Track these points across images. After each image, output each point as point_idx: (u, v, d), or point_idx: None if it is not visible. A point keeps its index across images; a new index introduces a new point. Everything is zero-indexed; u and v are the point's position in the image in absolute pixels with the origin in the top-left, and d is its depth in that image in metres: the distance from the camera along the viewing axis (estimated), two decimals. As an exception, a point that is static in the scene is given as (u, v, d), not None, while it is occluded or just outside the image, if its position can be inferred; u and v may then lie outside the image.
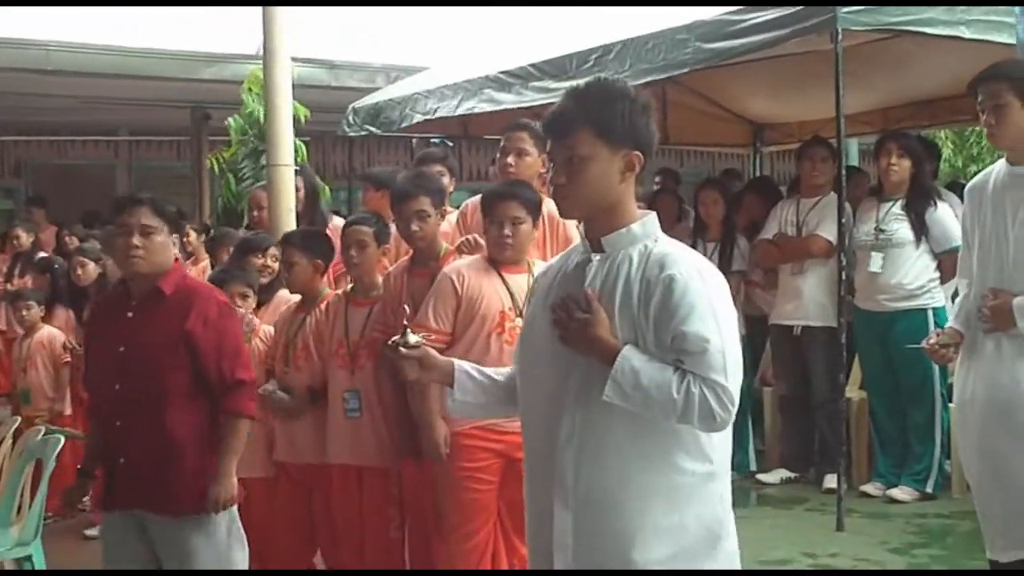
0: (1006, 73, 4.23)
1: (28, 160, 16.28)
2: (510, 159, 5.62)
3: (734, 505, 3.15)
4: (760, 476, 7.82)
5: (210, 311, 4.39)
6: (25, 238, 10.83)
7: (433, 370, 3.25)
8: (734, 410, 2.85)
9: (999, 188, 4.30)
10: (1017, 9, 5.43)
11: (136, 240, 4.30)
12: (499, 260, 4.90)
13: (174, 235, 4.48)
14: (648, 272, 2.90)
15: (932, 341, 4.51)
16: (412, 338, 3.22)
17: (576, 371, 2.94)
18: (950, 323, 4.59)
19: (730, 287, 7.44)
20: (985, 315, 4.23)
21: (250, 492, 5.29)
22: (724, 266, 7.83)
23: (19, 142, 15.87)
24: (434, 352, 3.30)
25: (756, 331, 7.98)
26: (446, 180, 6.20)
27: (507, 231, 4.88)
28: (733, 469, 7.72)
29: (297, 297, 5.67)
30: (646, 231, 2.99)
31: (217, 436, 4.34)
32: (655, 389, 2.82)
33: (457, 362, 3.29)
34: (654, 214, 3.05)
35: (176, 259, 4.58)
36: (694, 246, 7.98)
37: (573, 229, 5.59)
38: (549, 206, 5.54)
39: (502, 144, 5.74)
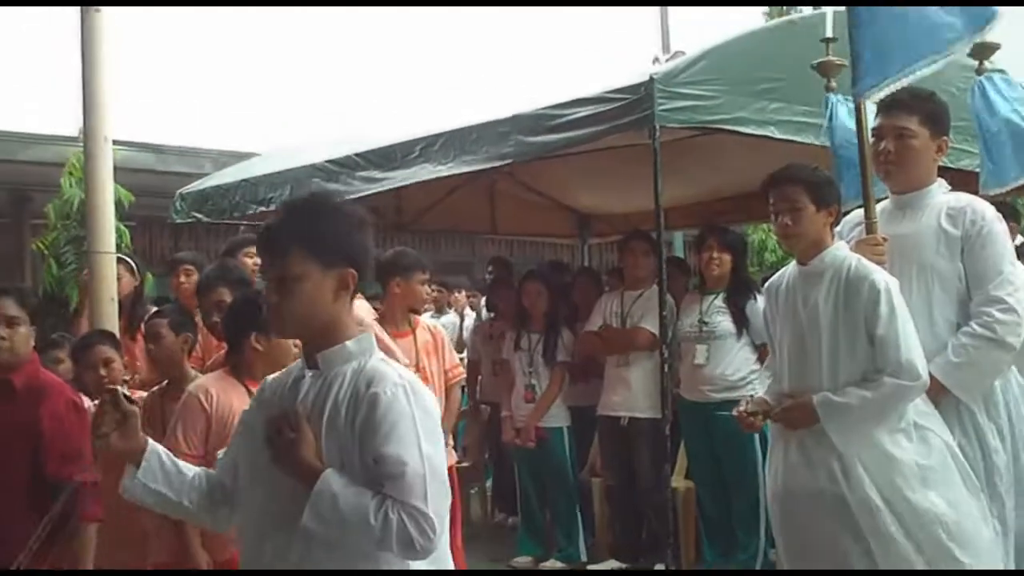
0: (801, 178, 4.37)
1: None
2: None
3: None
4: (591, 567, 7.79)
5: (59, 408, 4.25)
6: None
7: (130, 440, 3.08)
8: (436, 538, 2.78)
9: (791, 287, 4.45)
10: (825, 111, 5.64)
11: (2, 331, 4.21)
12: (250, 374, 4.66)
13: (32, 327, 4.38)
14: (356, 389, 2.86)
15: (741, 409, 4.60)
16: (125, 401, 3.09)
17: (283, 492, 2.85)
18: (759, 393, 4.72)
19: (555, 378, 7.57)
20: (785, 417, 4.34)
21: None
22: (548, 357, 7.89)
23: None
24: (137, 424, 3.12)
25: (583, 422, 8.00)
26: None
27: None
28: (564, 560, 7.80)
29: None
30: (361, 348, 2.96)
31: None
32: (352, 514, 2.74)
33: (153, 444, 3.14)
34: (370, 333, 3.04)
35: (32, 351, 4.46)
36: (518, 337, 8.09)
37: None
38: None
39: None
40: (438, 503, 2.77)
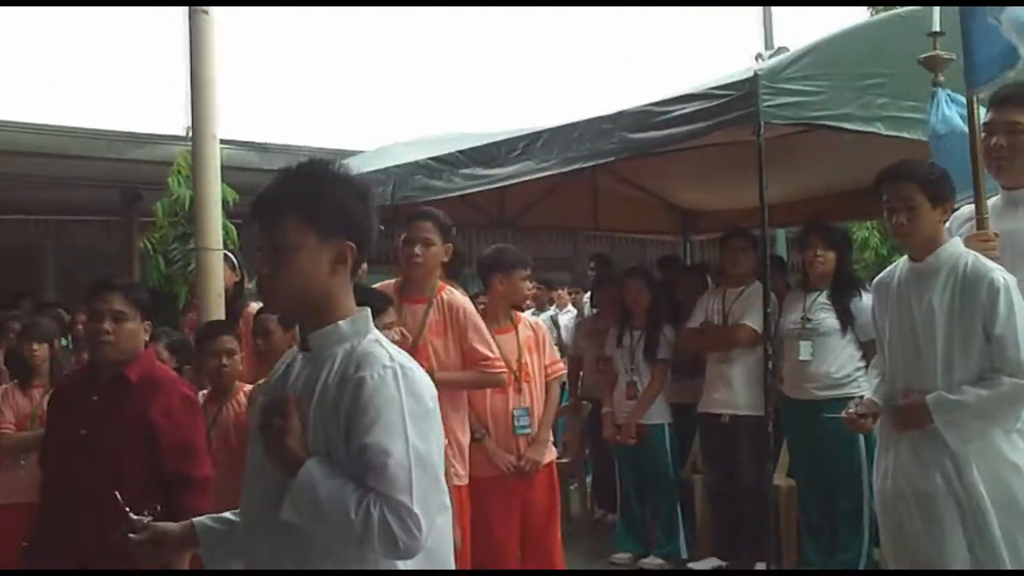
0: (916, 175, 4.34)
1: (-47, 240, 16.05)
2: (417, 249, 5.69)
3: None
4: (691, 565, 7.77)
5: (172, 403, 4.34)
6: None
7: (173, 543, 2.96)
8: (423, 535, 2.53)
9: (903, 285, 4.41)
10: (930, 106, 5.56)
11: (107, 325, 4.28)
12: None
13: (145, 322, 4.44)
14: (345, 372, 2.62)
15: (851, 411, 4.57)
16: (138, 521, 2.94)
17: (270, 485, 2.64)
18: (867, 395, 4.67)
19: (657, 375, 7.54)
20: (898, 417, 4.29)
21: None
22: (650, 354, 7.89)
23: (-57, 222, 15.65)
24: (164, 524, 2.98)
25: (684, 419, 7.99)
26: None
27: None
28: (663, 557, 7.78)
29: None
30: (355, 328, 2.72)
31: None
32: (332, 507, 2.52)
33: (197, 521, 2.96)
34: (367, 310, 2.80)
35: (146, 345, 4.53)
36: (620, 334, 8.10)
37: (476, 315, 5.73)
38: (448, 293, 5.71)
39: (407, 234, 5.79)
40: (426, 498, 2.55)
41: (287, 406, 2.64)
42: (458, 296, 5.90)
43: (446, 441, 5.55)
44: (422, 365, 5.50)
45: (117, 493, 3.05)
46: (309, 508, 2.54)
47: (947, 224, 4.51)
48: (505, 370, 5.98)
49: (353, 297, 2.80)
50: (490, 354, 5.85)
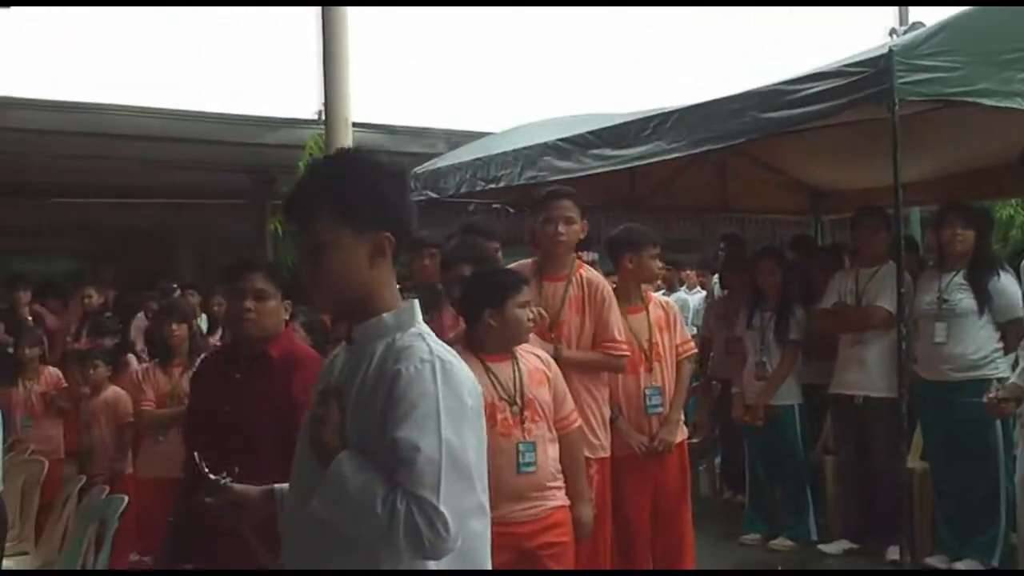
0: None
1: (93, 222, 16.54)
2: (560, 227, 5.72)
3: None
4: (821, 547, 7.71)
5: (311, 379, 4.44)
6: (96, 298, 11.01)
7: (253, 506, 2.92)
8: (450, 535, 2.44)
9: None
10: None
11: (249, 304, 4.36)
12: (483, 350, 4.78)
13: (286, 301, 4.54)
14: (383, 366, 2.56)
15: (992, 396, 4.47)
16: (216, 482, 2.93)
17: (311, 478, 2.59)
18: (1012, 379, 4.54)
19: (787, 356, 7.48)
20: None
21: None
22: (781, 335, 7.84)
23: (84, 204, 16.13)
24: (243, 487, 2.95)
25: (815, 400, 7.92)
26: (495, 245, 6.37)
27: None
28: (793, 538, 7.73)
29: None
30: (399, 321, 2.65)
31: None
32: (359, 501, 2.45)
33: (278, 487, 2.91)
34: (415, 303, 2.74)
35: (286, 324, 4.64)
36: (750, 315, 8.05)
37: (612, 296, 5.74)
38: (587, 271, 5.72)
39: (547, 214, 5.83)
40: (457, 496, 2.45)
41: (329, 398, 2.61)
42: (597, 274, 5.93)
43: (589, 412, 5.62)
44: (559, 342, 5.54)
45: (196, 454, 3.06)
46: (336, 500, 2.49)
47: None
48: (627, 354, 5.95)
49: (397, 288, 2.75)
50: (618, 336, 5.85)
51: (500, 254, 6.34)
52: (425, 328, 2.68)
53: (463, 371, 2.60)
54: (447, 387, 2.51)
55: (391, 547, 2.46)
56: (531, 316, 4.90)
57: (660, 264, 6.87)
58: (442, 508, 2.40)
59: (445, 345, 2.67)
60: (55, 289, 12.71)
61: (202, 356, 5.30)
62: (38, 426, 8.59)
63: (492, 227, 6.81)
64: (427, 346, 2.58)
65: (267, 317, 4.42)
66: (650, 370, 6.20)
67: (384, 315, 2.66)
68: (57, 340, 10.72)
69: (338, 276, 2.64)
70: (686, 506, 6.44)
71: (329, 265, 2.63)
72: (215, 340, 8.96)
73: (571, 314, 5.77)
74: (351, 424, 2.57)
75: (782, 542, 7.84)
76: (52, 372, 8.92)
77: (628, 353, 5.95)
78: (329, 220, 2.61)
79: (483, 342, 4.81)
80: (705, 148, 7.31)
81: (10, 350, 10.51)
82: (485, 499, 2.60)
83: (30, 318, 11.69)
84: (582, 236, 5.89)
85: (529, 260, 5.99)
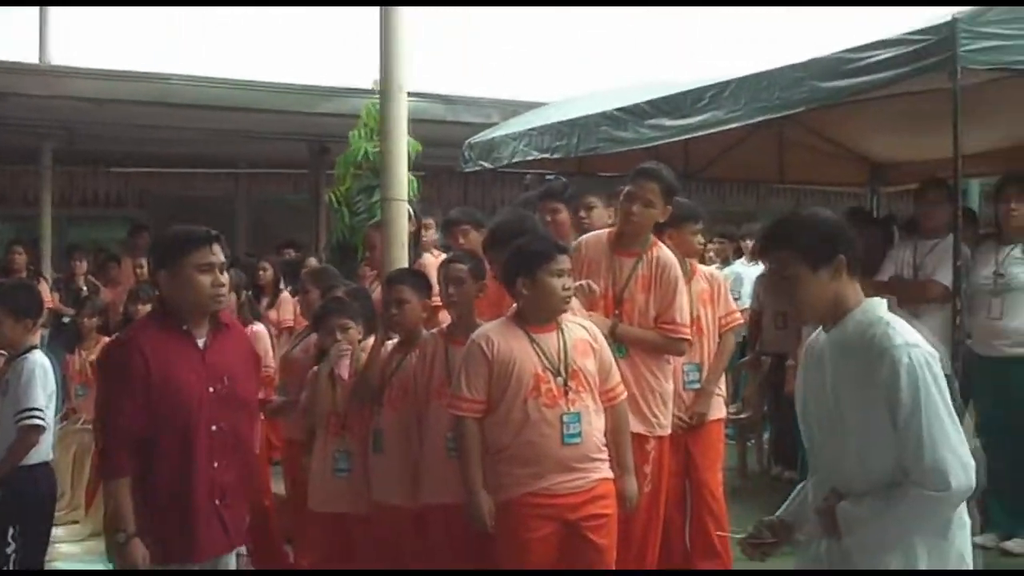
0: None
1: (151, 191, 16.69)
2: (635, 207, 5.72)
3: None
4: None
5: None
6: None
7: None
8: None
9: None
10: None
11: (222, 277, 4.30)
12: (528, 321, 4.83)
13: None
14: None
15: None
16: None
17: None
18: None
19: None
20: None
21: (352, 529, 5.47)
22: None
23: (143, 173, 16.27)
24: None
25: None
26: (563, 216, 6.40)
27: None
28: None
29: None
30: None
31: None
32: None
33: None
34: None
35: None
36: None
37: (680, 278, 5.70)
38: (660, 251, 5.67)
39: (629, 189, 5.79)
40: None
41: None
42: (668, 254, 5.87)
43: (648, 390, 5.62)
44: (620, 319, 5.54)
45: None
46: None
47: None
48: (687, 338, 5.87)
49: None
50: (679, 319, 5.77)
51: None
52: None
53: None
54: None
55: None
56: (569, 285, 4.88)
57: (702, 240, 6.82)
58: None
59: None
60: (111, 259, 12.84)
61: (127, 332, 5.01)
62: (92, 396, 8.68)
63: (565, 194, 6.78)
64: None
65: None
66: (691, 346, 6.13)
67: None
68: (112, 310, 10.83)
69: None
70: (714, 478, 6.36)
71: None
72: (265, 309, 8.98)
73: (637, 291, 5.74)
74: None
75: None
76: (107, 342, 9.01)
77: (688, 337, 5.88)
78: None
79: (524, 313, 4.84)
80: (762, 118, 7.25)
81: (65, 320, 10.65)
82: None
83: (85, 288, 11.83)
84: (662, 219, 5.84)
85: (608, 230, 5.97)
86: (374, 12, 6.51)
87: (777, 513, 3.70)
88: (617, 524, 4.93)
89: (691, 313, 6.12)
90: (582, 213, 6.03)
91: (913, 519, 3.27)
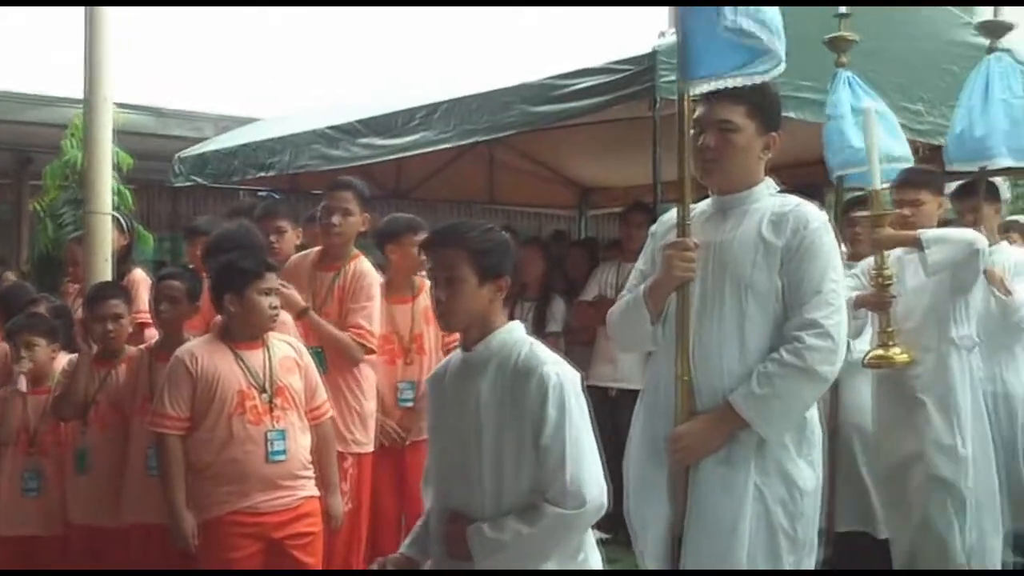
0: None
1: None
2: (335, 218, 5.74)
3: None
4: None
5: None
6: None
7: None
8: None
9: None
10: (830, 87, 5.70)
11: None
12: (234, 337, 4.78)
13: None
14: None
15: None
16: None
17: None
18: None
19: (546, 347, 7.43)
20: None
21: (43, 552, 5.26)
22: (539, 327, 7.88)
23: None
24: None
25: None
26: (289, 232, 6.42)
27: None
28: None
29: None
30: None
31: None
32: None
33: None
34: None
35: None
36: (513, 306, 8.09)
37: (374, 287, 5.71)
38: (359, 263, 5.82)
39: (325, 204, 5.85)
40: None
41: None
42: (368, 266, 5.89)
43: (345, 407, 5.60)
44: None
45: None
46: None
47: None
48: (369, 344, 5.81)
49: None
50: (366, 325, 5.77)
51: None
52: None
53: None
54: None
55: None
56: (276, 304, 4.83)
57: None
58: None
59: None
60: None
61: None
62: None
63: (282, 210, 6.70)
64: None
65: None
66: (409, 363, 6.11)
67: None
68: None
69: None
70: None
71: None
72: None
73: (334, 304, 5.76)
74: None
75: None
76: None
77: (371, 343, 5.82)
78: None
79: (230, 329, 4.78)
80: (473, 140, 7.33)
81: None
82: None
83: None
84: (363, 228, 5.88)
85: (315, 250, 5.98)
86: (83, 19, 6.30)
87: (400, 549, 3.60)
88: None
89: (411, 330, 6.14)
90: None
91: (550, 540, 3.24)
